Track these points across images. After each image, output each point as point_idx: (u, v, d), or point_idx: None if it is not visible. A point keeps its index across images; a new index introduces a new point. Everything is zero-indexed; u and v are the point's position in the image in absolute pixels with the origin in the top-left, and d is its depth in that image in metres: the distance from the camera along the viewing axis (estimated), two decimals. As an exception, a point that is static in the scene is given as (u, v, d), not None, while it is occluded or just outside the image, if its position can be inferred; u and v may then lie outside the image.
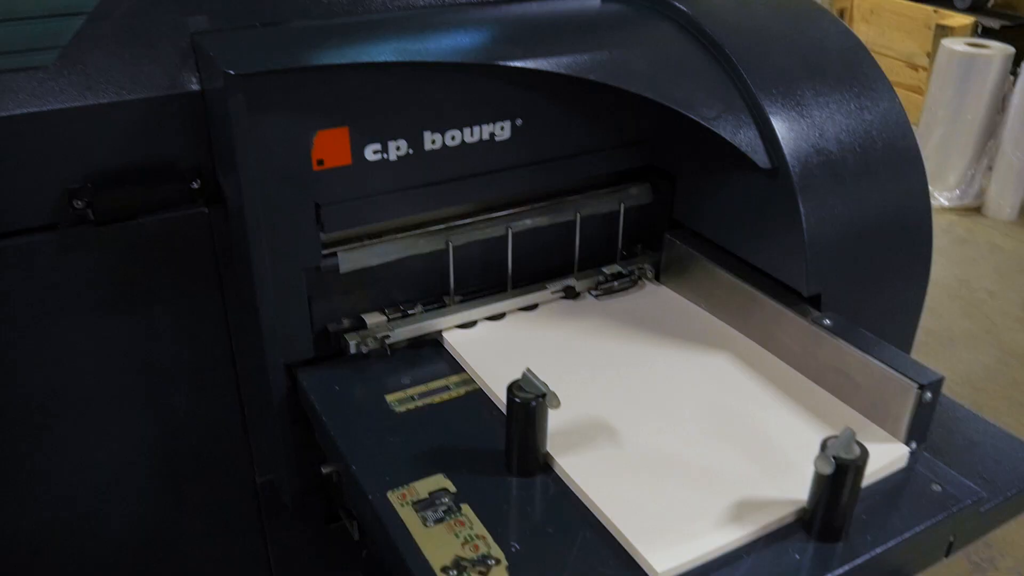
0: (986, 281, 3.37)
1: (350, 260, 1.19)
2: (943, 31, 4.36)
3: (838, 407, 1.10)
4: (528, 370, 0.96)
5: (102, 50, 1.08)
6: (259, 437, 1.32)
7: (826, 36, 1.28)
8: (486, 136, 1.20)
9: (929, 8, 4.62)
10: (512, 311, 1.32)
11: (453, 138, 1.18)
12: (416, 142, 1.15)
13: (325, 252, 1.16)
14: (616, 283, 1.38)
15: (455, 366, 1.19)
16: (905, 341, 1.32)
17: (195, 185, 1.13)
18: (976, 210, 3.95)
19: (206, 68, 1.09)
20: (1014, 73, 3.82)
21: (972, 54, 3.72)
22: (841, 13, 5.00)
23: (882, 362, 1.04)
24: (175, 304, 1.19)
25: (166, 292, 1.17)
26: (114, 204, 1.09)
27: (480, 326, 1.28)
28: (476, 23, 1.20)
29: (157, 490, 1.30)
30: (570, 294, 1.36)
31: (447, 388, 1.14)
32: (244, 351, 1.25)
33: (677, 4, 1.26)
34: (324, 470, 1.12)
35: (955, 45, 3.79)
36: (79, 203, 1.07)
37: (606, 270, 1.39)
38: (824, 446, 0.89)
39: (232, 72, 0.97)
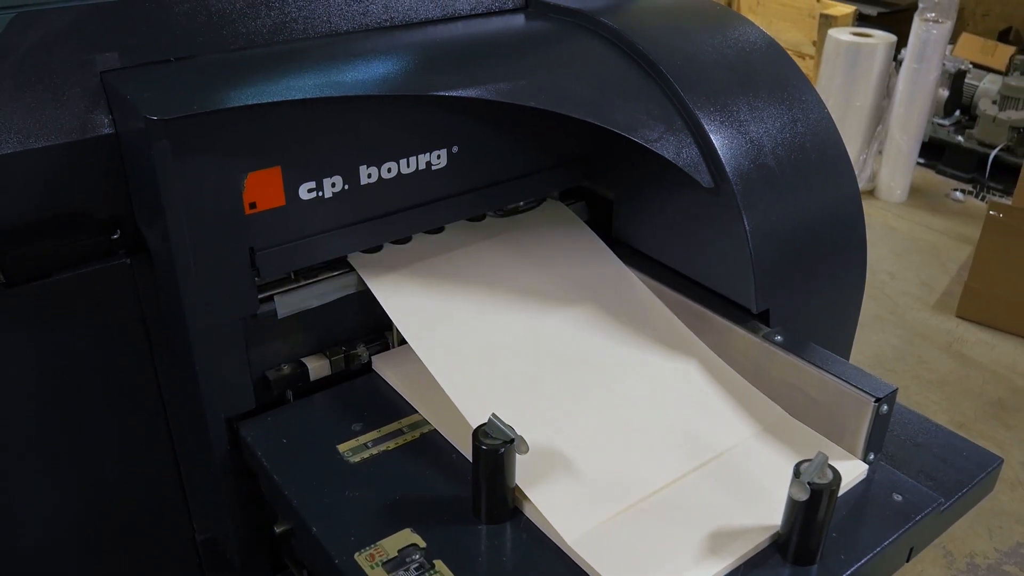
0: (885, 263, 3.51)
1: (288, 304, 1.13)
2: (827, 20, 4.51)
3: (796, 423, 1.10)
4: (494, 415, 0.93)
5: (1, 95, 0.99)
6: (197, 493, 1.24)
7: (754, 48, 1.28)
8: (423, 166, 1.16)
9: (812, -2, 4.78)
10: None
11: (389, 170, 1.13)
12: (352, 177, 1.10)
13: (261, 296, 1.10)
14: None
15: (405, 406, 1.15)
16: (847, 341, 1.34)
17: (115, 236, 1.05)
18: (870, 193, 4.11)
19: (121, 110, 1.01)
20: (896, 60, 3.99)
21: (858, 43, 3.86)
22: (728, 5, 5.12)
23: (836, 376, 1.05)
24: (100, 363, 1.10)
25: (90, 351, 1.09)
26: (25, 262, 1.00)
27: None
28: (406, 48, 1.15)
29: (91, 554, 1.20)
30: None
31: (401, 432, 1.10)
32: (177, 406, 1.17)
33: (605, 20, 1.24)
34: (277, 529, 1.06)
35: (841, 35, 3.92)
36: (-13, 265, 0.98)
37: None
38: (797, 472, 0.89)
39: (155, 117, 0.90)
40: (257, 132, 1.01)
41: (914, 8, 3.87)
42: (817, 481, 0.88)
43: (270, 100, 0.96)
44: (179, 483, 1.23)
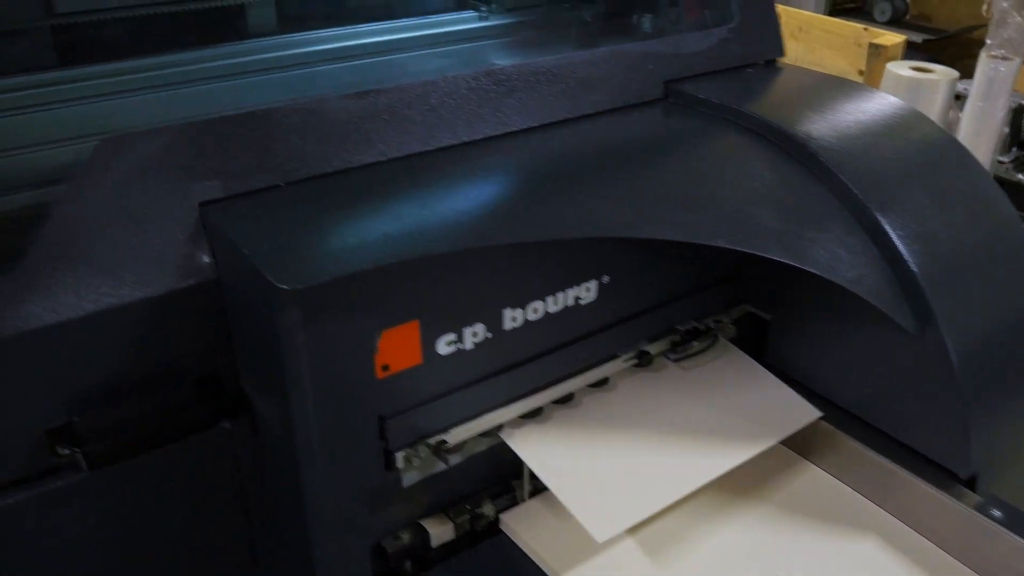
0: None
1: (415, 472, 0.95)
2: (876, 50, 4.33)
3: (1024, 617, 0.92)
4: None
5: (83, 240, 0.81)
6: None
7: (937, 151, 1.11)
8: (571, 302, 0.98)
9: (859, 26, 4.60)
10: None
11: (535, 311, 0.95)
12: (495, 323, 0.93)
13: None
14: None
15: None
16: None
17: (214, 400, 0.88)
18: (926, 233, 3.91)
19: (227, 254, 0.84)
20: (956, 96, 3.81)
21: (919, 80, 3.67)
22: (767, 30, 4.94)
23: (1083, 571, 0.88)
24: (191, 542, 0.93)
25: (178, 532, 0.91)
26: (112, 445, 0.82)
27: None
28: (554, 167, 0.98)
29: None
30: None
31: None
32: None
33: (770, 120, 1.07)
34: None
35: (900, 70, 3.74)
36: (64, 450, 0.81)
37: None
38: None
39: (286, 287, 0.73)
40: (393, 284, 0.83)
41: (963, 35, 3.67)
42: None
43: (417, 255, 0.79)
44: None
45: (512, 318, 0.93)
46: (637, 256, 1.02)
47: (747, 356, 1.16)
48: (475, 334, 0.91)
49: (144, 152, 0.84)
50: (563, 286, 0.97)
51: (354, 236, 0.82)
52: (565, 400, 1.05)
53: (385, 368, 0.85)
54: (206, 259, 0.86)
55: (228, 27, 1.34)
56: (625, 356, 1.10)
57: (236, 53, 1.27)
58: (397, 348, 0.86)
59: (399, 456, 0.91)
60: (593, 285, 0.99)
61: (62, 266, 0.80)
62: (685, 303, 1.11)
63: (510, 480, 1.08)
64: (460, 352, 0.90)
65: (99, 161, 0.83)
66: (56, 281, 0.79)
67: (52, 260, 0.79)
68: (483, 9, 1.43)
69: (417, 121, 0.98)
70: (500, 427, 1.00)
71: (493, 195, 0.92)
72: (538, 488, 1.06)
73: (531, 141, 1.04)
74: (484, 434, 0.98)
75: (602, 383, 1.08)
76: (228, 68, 1.25)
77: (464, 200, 0.90)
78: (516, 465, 1.04)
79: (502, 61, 1.37)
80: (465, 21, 1.40)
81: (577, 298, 0.98)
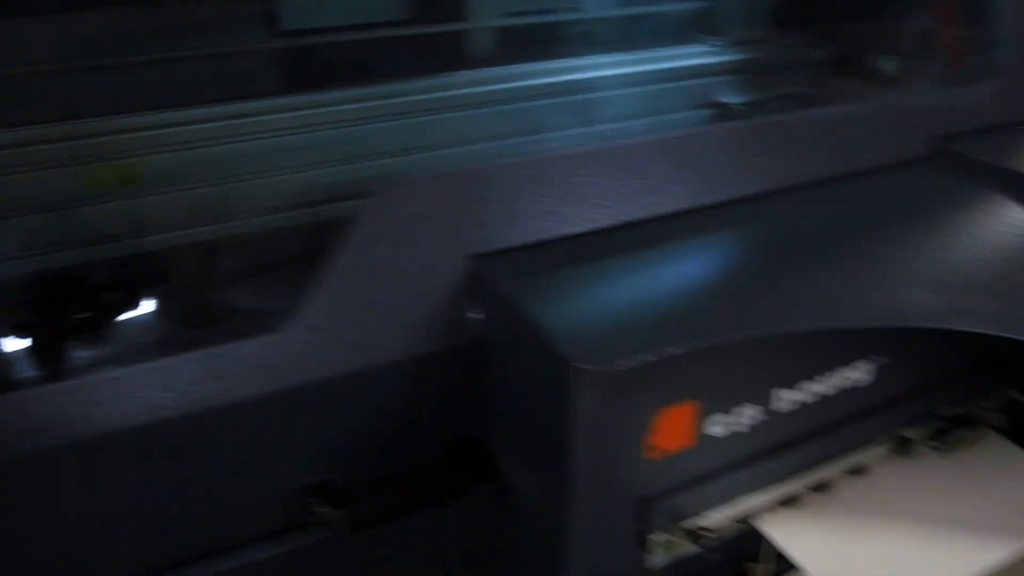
0: None
1: (666, 554, 0.89)
2: None
3: None
4: None
5: (357, 294, 0.78)
6: None
7: None
8: (846, 384, 0.90)
9: None
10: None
11: (806, 392, 0.88)
12: (767, 404, 0.85)
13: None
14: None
15: None
16: None
17: (473, 463, 0.84)
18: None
19: (501, 315, 0.79)
20: None
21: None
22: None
23: None
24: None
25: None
26: (374, 508, 0.79)
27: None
28: (828, 233, 0.90)
29: None
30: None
31: None
32: None
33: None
34: None
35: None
36: (323, 509, 0.78)
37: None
38: None
39: (588, 368, 0.68)
40: (674, 363, 0.77)
41: None
42: None
43: (720, 341, 0.73)
44: None
45: (783, 399, 0.86)
46: (910, 337, 0.93)
47: (1016, 447, 1.05)
48: (747, 415, 0.84)
49: (420, 200, 0.81)
50: (836, 367, 0.89)
51: (641, 307, 0.77)
52: (821, 487, 0.96)
53: (656, 449, 0.80)
54: (474, 317, 0.82)
55: (446, 55, 1.31)
56: (884, 441, 1.01)
57: (454, 84, 1.23)
58: (671, 429, 0.79)
59: (654, 539, 0.85)
60: (866, 366, 0.91)
61: (336, 320, 0.77)
62: (949, 386, 1.01)
63: (742, 562, 1.01)
64: (731, 434, 0.84)
65: (376, 210, 0.79)
66: (331, 335, 0.76)
67: (329, 314, 0.76)
68: (712, 43, 1.36)
69: (692, 173, 0.92)
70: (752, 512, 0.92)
71: (771, 265, 0.85)
72: (778, 572, 0.99)
73: (801, 201, 0.96)
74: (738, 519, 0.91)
75: (859, 470, 0.99)
76: (450, 100, 1.22)
77: (744, 269, 0.83)
78: (750, 547, 0.97)
79: (735, 100, 1.30)
80: (694, 56, 1.33)
81: (850, 380, 0.90)
